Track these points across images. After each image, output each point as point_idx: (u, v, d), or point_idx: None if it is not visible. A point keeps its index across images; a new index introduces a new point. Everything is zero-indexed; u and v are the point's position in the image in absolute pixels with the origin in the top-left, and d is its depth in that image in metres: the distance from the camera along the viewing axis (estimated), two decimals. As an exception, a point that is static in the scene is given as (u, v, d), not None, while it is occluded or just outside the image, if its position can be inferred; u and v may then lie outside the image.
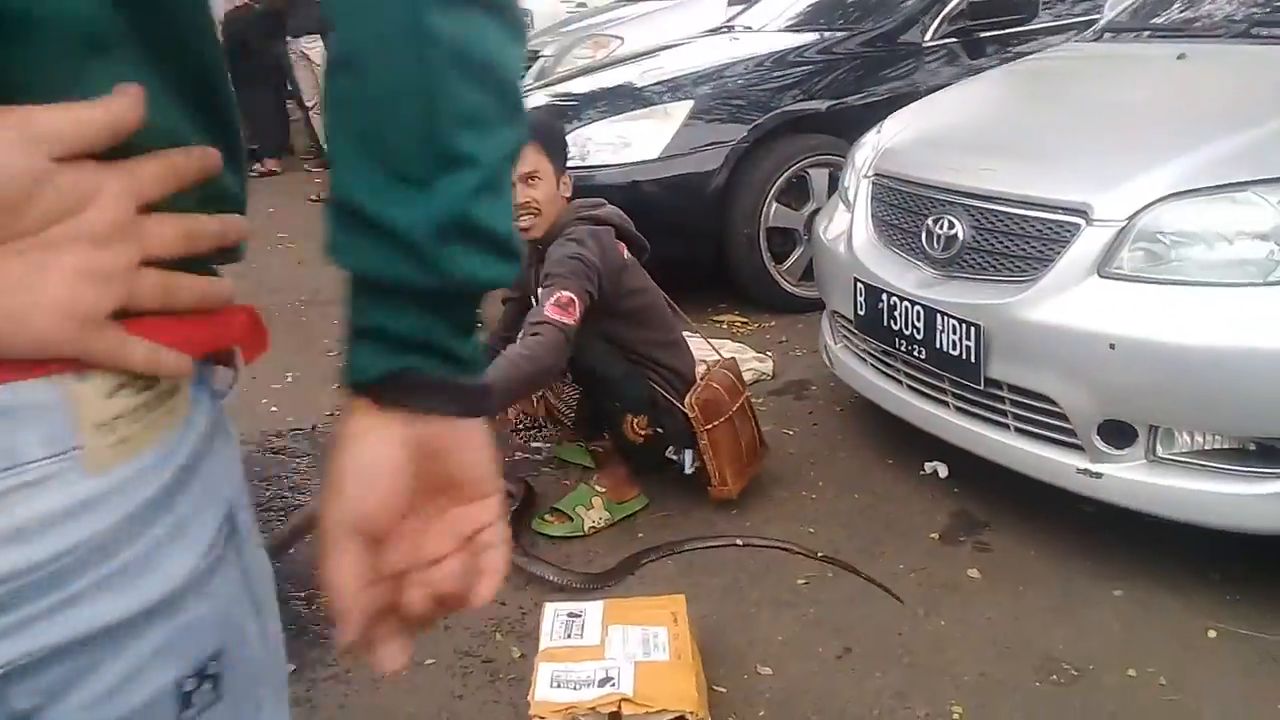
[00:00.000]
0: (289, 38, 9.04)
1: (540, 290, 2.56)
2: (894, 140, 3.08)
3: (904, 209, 2.82)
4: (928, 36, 4.54)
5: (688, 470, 2.80)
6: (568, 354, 2.49)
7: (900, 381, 2.83)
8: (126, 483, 0.58)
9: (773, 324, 4.36)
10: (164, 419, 0.60)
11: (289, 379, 4.06)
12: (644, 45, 6.17)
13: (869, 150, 3.12)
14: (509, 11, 0.65)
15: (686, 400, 2.70)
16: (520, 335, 2.53)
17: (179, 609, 0.61)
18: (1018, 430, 2.48)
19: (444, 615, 0.70)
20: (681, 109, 4.40)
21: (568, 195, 2.76)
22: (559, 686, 1.95)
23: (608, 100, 4.75)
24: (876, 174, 2.97)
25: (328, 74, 0.64)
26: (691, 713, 1.88)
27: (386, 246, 0.63)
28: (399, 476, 0.65)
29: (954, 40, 4.53)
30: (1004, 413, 2.50)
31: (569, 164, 4.38)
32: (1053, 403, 2.35)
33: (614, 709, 1.89)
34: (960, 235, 2.59)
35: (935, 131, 3.07)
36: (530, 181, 2.65)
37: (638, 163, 4.34)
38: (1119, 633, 2.23)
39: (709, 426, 2.70)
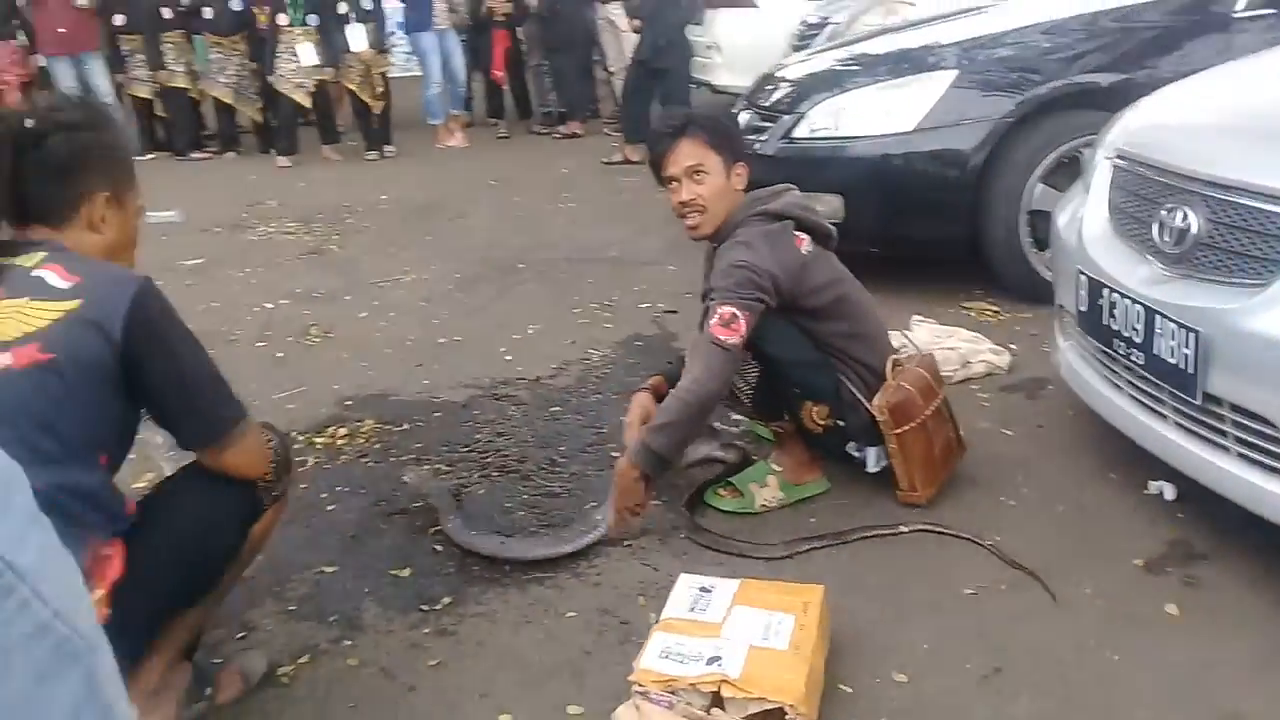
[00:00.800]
0: (599, 3, 9.36)
1: (709, 300, 2.50)
2: (1146, 118, 2.76)
3: (1141, 196, 2.53)
4: (1240, 6, 4.02)
5: (872, 469, 2.67)
6: (734, 372, 2.46)
7: (1120, 389, 2.56)
8: None
9: (1027, 315, 4.05)
10: None
11: (530, 330, 4.24)
12: (936, 10, 5.88)
13: (1118, 129, 2.82)
14: None
15: (875, 402, 2.56)
16: (687, 356, 2.54)
17: None
18: (1239, 455, 2.18)
19: None
20: (943, 79, 4.16)
21: (741, 187, 2.64)
22: (667, 658, 1.93)
23: (872, 67, 4.59)
24: (1119, 155, 2.68)
25: None
26: (792, 706, 1.81)
27: None
28: None
29: (1272, 12, 3.99)
30: (1224, 434, 2.20)
31: (824, 132, 4.33)
32: (1276, 427, 2.04)
33: (714, 689, 1.86)
34: (1193, 229, 2.29)
35: (1192, 111, 2.72)
36: (695, 177, 2.58)
37: (891, 134, 4.17)
38: (1328, 702, 1.93)
39: (899, 431, 2.56)
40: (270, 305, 4.81)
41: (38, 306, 1.61)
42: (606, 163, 8.05)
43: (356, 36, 8.37)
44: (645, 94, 8.16)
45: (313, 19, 8.29)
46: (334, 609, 2.35)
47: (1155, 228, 2.42)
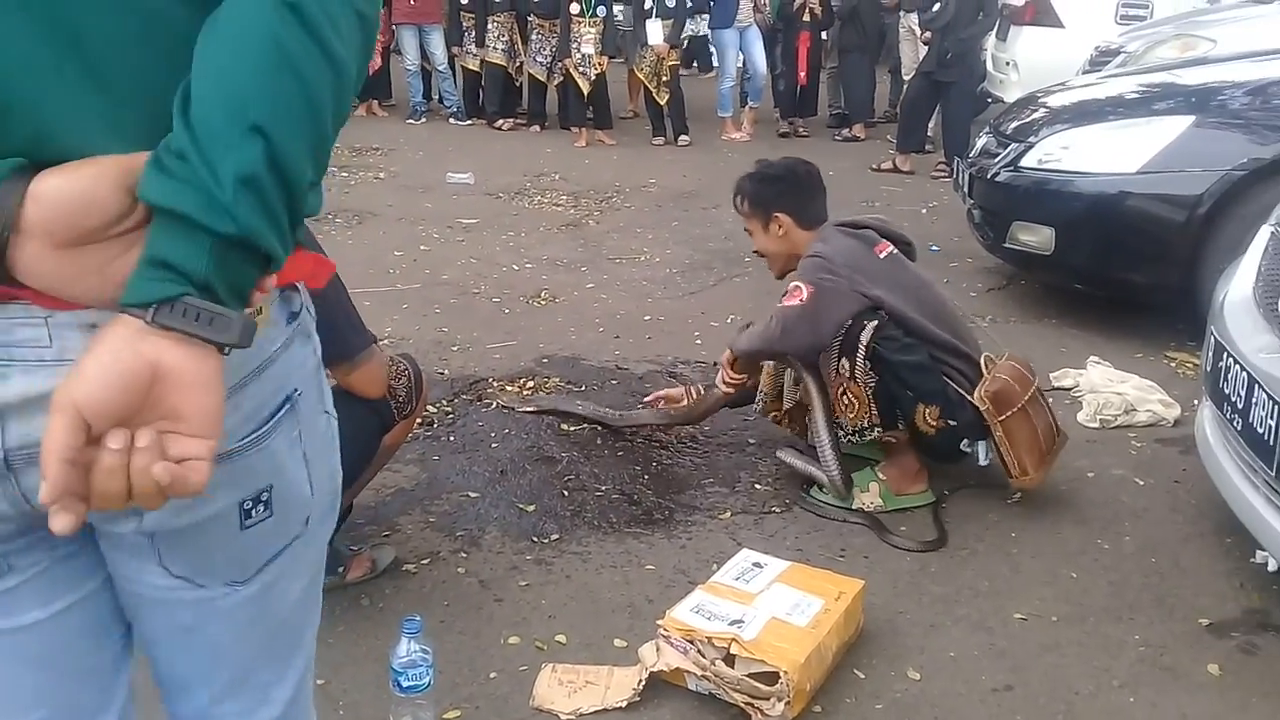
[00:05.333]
0: (902, 12, 9.41)
1: None
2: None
3: (1281, 265, 2.51)
4: None
5: (983, 462, 2.84)
6: (797, 330, 2.82)
7: (1228, 454, 2.56)
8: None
9: (1230, 373, 3.91)
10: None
11: (729, 320, 4.54)
12: (1238, 49, 5.60)
13: (1291, 196, 2.77)
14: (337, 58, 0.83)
15: (976, 393, 2.74)
16: None
17: (238, 457, 0.93)
18: (1309, 534, 2.18)
19: (123, 507, 0.80)
20: (1179, 123, 4.07)
21: (782, 235, 2.99)
22: (697, 613, 2.22)
23: (1115, 104, 4.52)
24: (1277, 223, 2.65)
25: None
26: (785, 672, 2.04)
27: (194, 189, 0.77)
28: (134, 389, 0.76)
29: None
30: (1297, 510, 2.20)
31: (1048, 164, 4.32)
32: (1331, 509, 2.04)
33: (726, 647, 2.12)
34: (1310, 304, 2.28)
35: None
36: (750, 234, 3.11)
37: (1113, 174, 4.12)
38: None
39: (1002, 418, 2.72)
40: (516, 268, 5.38)
41: None
42: (874, 169, 8.14)
43: (654, 31, 8.89)
44: (925, 105, 8.18)
45: (601, 10, 8.90)
46: (464, 527, 2.79)
47: (1281, 298, 2.41)
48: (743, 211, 3.08)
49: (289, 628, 1.13)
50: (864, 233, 2.91)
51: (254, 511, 0.98)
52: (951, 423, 2.77)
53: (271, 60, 0.78)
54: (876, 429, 2.79)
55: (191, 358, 0.77)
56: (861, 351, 2.73)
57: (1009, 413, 2.72)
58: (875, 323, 2.73)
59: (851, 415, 2.79)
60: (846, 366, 2.75)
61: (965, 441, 2.82)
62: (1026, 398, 2.76)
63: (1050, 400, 3.03)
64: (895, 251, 2.90)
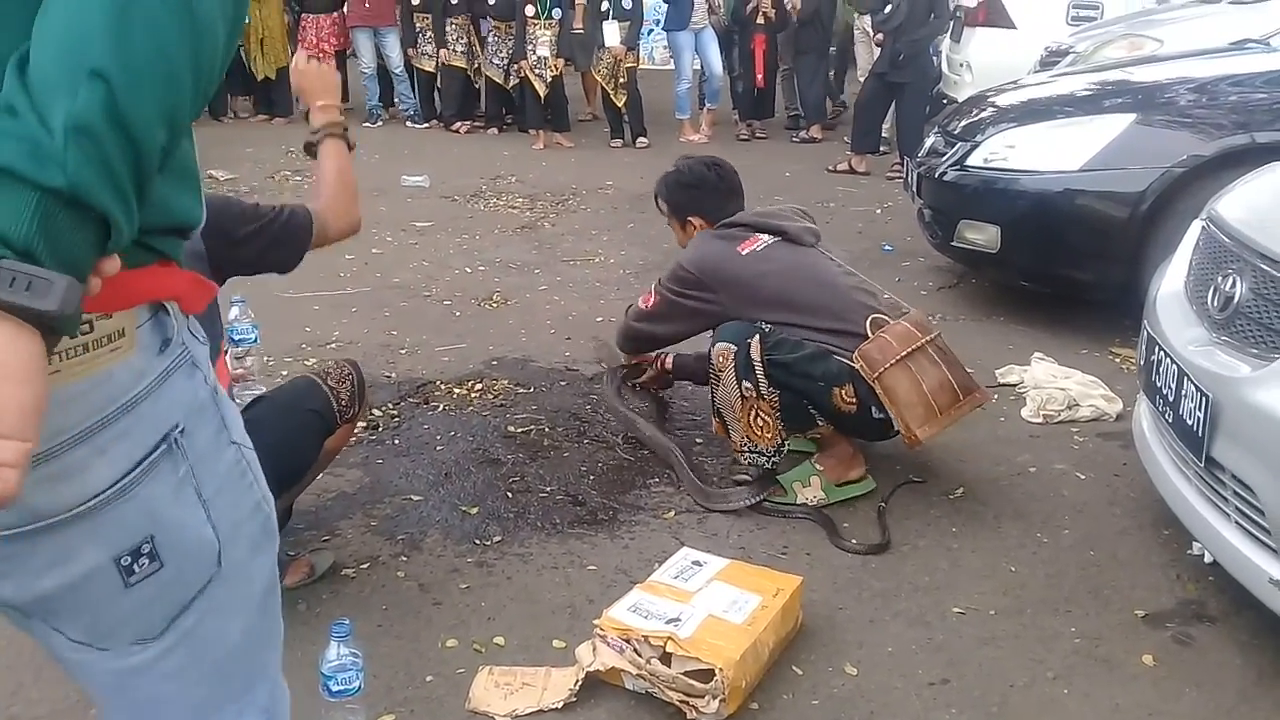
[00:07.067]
0: (857, 14, 9.47)
1: None
2: (1244, 186, 2.74)
3: (1211, 259, 2.54)
4: None
5: (898, 426, 2.82)
6: (638, 328, 3.24)
7: (1162, 447, 2.58)
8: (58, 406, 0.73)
9: (1173, 368, 3.96)
10: (100, 360, 0.80)
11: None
12: (1182, 49, 5.67)
13: (1221, 193, 2.80)
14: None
15: (853, 355, 2.74)
16: None
17: (103, 510, 0.83)
18: (1237, 523, 2.20)
19: None
20: (1120, 121, 4.12)
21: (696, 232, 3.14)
22: (634, 611, 2.21)
23: (1060, 103, 4.56)
24: (1207, 218, 2.68)
25: None
26: (721, 669, 2.04)
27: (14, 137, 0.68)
28: None
29: None
30: (1225, 500, 2.22)
31: (994, 163, 4.36)
32: (1258, 498, 2.07)
33: (663, 645, 2.11)
34: (1237, 296, 2.31)
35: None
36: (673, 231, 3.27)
37: (1056, 173, 4.16)
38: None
39: (877, 375, 2.71)
40: (469, 270, 5.36)
41: None
42: (830, 170, 8.18)
43: (611, 32, 8.90)
44: (879, 106, 8.23)
45: (557, 12, 8.90)
46: (405, 531, 2.77)
47: (1210, 292, 2.44)
48: (662, 212, 3.25)
49: (240, 660, 1.07)
50: (733, 231, 3.01)
51: (136, 566, 0.90)
52: (859, 397, 2.76)
53: (118, 4, 0.70)
54: (786, 444, 2.86)
55: (4, 336, 0.68)
56: (759, 369, 2.74)
57: (882, 369, 2.70)
58: (756, 336, 2.74)
59: (768, 436, 2.81)
60: (750, 388, 2.75)
61: (875, 409, 2.78)
62: (905, 352, 2.72)
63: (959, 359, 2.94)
64: (767, 245, 2.94)
